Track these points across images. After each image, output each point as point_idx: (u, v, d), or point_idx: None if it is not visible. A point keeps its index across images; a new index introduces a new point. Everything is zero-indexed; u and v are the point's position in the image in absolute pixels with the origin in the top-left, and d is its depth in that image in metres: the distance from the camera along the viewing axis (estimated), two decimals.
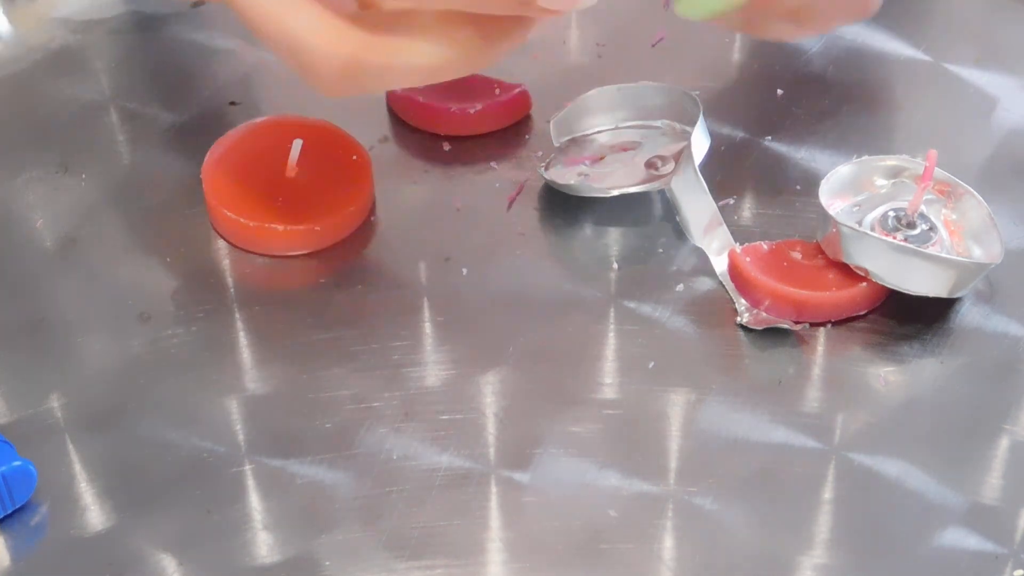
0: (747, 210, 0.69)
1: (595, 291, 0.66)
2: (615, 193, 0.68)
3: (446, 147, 0.74)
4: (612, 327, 0.65)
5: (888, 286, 0.63)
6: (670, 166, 0.69)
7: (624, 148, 0.72)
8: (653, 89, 0.73)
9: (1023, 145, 0.73)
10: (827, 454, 0.59)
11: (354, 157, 0.71)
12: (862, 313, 0.64)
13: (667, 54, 0.79)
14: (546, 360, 0.64)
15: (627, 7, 0.82)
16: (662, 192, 0.69)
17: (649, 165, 0.69)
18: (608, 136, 0.73)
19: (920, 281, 0.63)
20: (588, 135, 0.73)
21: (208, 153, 0.70)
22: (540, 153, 0.73)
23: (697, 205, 0.67)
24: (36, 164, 0.72)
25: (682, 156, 0.68)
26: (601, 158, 0.71)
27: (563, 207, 0.70)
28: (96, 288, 0.67)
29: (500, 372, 0.63)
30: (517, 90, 0.74)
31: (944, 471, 0.59)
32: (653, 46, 0.80)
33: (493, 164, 0.73)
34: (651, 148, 0.71)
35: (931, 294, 0.63)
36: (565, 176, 0.70)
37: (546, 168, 0.71)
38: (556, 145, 0.72)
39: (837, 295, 0.64)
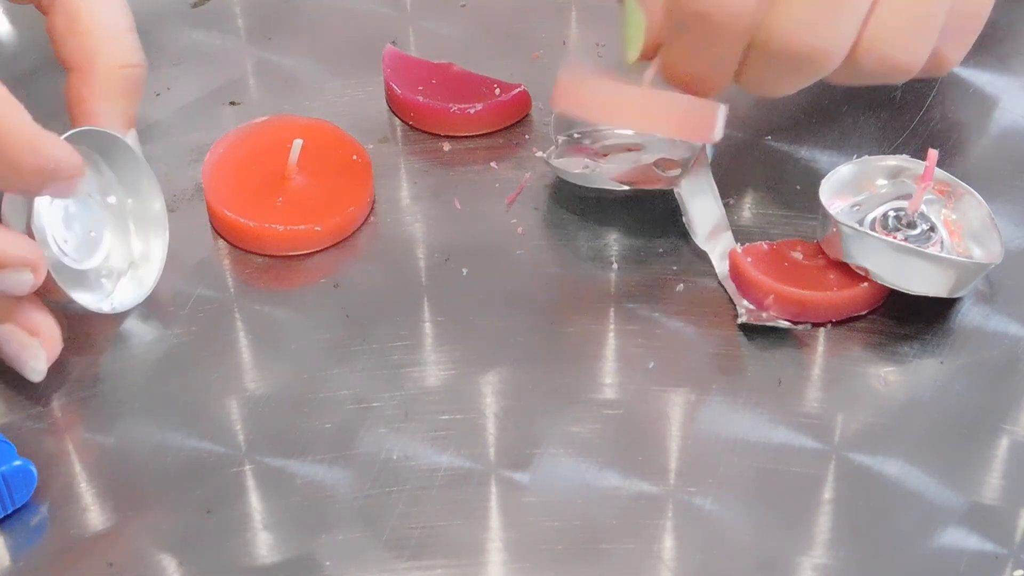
0: (747, 210, 0.69)
1: (595, 291, 0.66)
2: (626, 188, 0.68)
3: (446, 147, 0.74)
4: (612, 327, 0.65)
5: (888, 286, 0.63)
6: (674, 172, 0.68)
7: (627, 150, 0.72)
8: None
9: (1023, 145, 0.73)
10: (827, 454, 0.59)
11: (354, 157, 0.71)
12: (863, 313, 0.64)
13: None
14: (546, 360, 0.64)
15: None
16: (663, 192, 0.69)
17: (653, 168, 0.69)
18: (608, 137, 0.73)
19: (920, 281, 0.63)
20: (589, 131, 0.72)
21: (208, 153, 0.70)
22: (540, 154, 0.73)
23: (705, 208, 0.67)
24: None
25: (697, 159, 0.67)
26: (604, 155, 0.71)
27: (563, 207, 0.70)
28: None
29: (500, 372, 0.63)
30: (517, 90, 0.74)
31: (944, 471, 0.59)
32: None
33: (493, 164, 0.73)
34: (654, 152, 0.71)
35: (931, 294, 0.63)
36: (571, 166, 0.70)
37: (550, 158, 0.70)
38: (555, 138, 0.72)
39: (838, 295, 0.64)
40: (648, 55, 0.64)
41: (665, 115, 0.64)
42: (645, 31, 0.64)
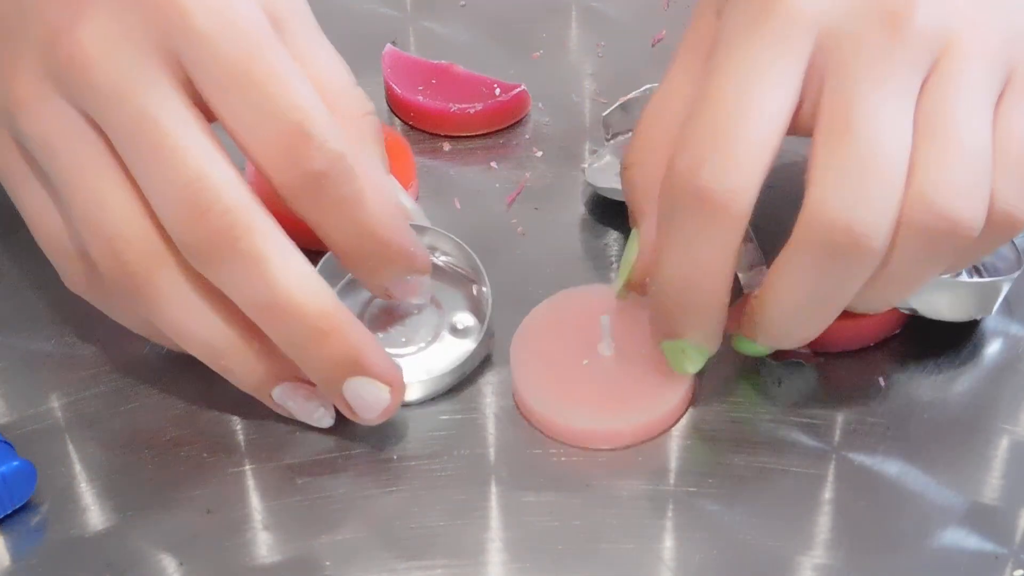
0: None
1: None
2: None
3: (446, 147, 0.74)
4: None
5: (934, 318, 0.61)
6: None
7: None
8: None
9: None
10: (827, 454, 0.59)
11: (384, 137, 0.71)
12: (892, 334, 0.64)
13: (667, 54, 0.78)
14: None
15: (627, 7, 0.82)
16: None
17: None
18: None
19: (963, 308, 0.61)
20: None
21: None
22: (540, 153, 0.73)
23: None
24: None
25: None
26: None
27: (563, 207, 0.70)
28: None
29: (500, 372, 0.63)
30: (517, 90, 0.74)
31: (944, 471, 0.59)
32: (653, 46, 0.80)
33: (493, 164, 0.73)
34: None
35: (978, 316, 0.62)
36: (610, 170, 0.69)
37: (590, 165, 0.69)
38: (606, 140, 0.70)
39: (867, 321, 0.62)
40: (636, 285, 0.60)
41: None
42: (635, 259, 0.60)
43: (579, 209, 0.70)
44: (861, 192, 0.52)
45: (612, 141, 0.71)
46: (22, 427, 0.61)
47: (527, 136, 0.74)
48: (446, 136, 0.74)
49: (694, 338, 0.57)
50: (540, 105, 0.75)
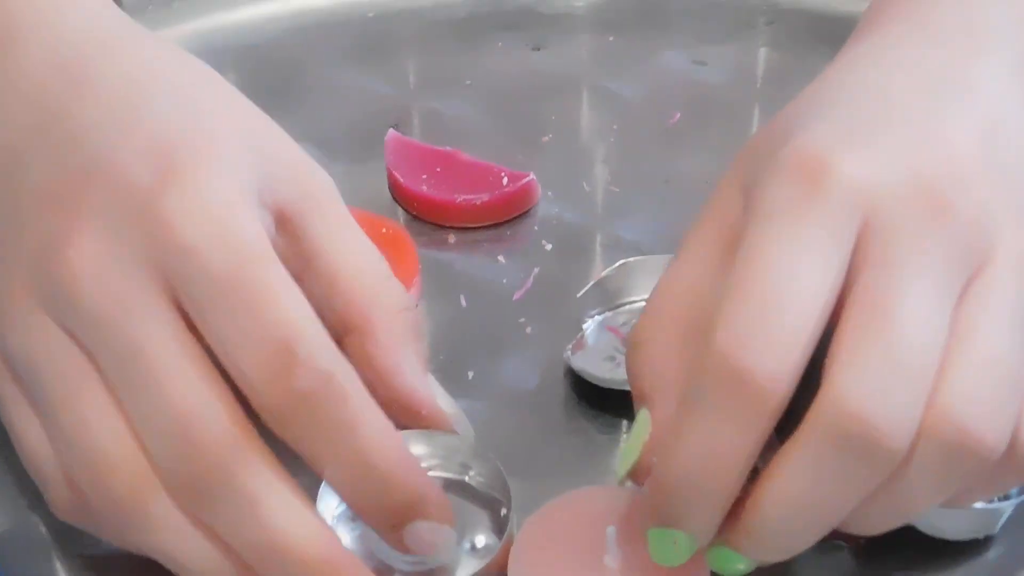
0: None
1: (611, 391, 0.63)
2: None
3: (451, 239, 0.72)
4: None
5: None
6: None
7: None
8: None
9: None
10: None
11: (384, 230, 0.69)
12: None
13: (682, 136, 0.77)
14: (554, 464, 0.62)
15: (641, 87, 0.80)
16: None
17: None
18: None
19: (962, 529, 0.58)
20: (625, 309, 0.67)
21: None
22: (550, 246, 0.71)
23: None
24: None
25: None
26: None
27: (574, 304, 0.67)
28: None
29: (511, 481, 0.60)
30: (526, 180, 0.72)
31: None
32: (668, 127, 0.78)
33: (500, 258, 0.71)
34: None
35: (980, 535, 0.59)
36: (594, 357, 0.65)
37: (573, 351, 0.65)
38: (584, 327, 0.66)
39: None
40: (640, 475, 0.55)
41: None
42: (643, 445, 0.55)
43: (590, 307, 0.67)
44: (885, 384, 0.49)
45: (588, 322, 0.66)
46: (8, 542, 0.59)
47: (536, 228, 0.72)
48: (451, 227, 0.72)
49: (692, 529, 0.52)
50: (550, 194, 0.73)
